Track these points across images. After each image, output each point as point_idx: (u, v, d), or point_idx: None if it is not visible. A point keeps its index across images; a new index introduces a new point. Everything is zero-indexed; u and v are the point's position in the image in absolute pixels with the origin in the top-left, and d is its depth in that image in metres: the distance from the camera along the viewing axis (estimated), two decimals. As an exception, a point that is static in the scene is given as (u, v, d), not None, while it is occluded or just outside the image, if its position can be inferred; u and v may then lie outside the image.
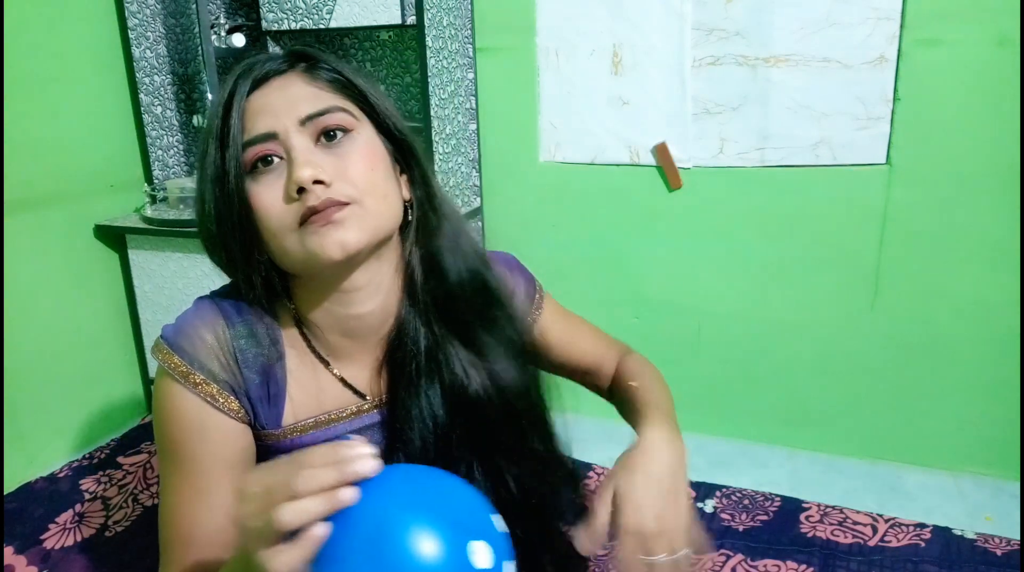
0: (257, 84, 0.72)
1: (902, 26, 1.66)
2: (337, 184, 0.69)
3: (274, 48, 1.97)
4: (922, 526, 1.42)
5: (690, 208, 1.92)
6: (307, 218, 0.68)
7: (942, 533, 1.40)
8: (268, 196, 0.69)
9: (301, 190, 0.68)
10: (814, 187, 1.81)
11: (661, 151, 1.90)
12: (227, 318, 0.76)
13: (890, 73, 1.70)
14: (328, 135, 0.71)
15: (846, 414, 1.92)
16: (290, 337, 0.79)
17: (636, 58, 1.88)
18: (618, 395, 0.96)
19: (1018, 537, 1.39)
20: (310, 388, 0.79)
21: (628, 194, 1.97)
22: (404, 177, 0.78)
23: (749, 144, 1.84)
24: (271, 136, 0.69)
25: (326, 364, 0.80)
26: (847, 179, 1.78)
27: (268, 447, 0.79)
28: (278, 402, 0.77)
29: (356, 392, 0.80)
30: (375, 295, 0.77)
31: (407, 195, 0.77)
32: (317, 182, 0.67)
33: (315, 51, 0.75)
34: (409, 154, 0.77)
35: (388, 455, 0.82)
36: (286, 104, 0.70)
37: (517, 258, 0.96)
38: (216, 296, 0.79)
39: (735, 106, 1.83)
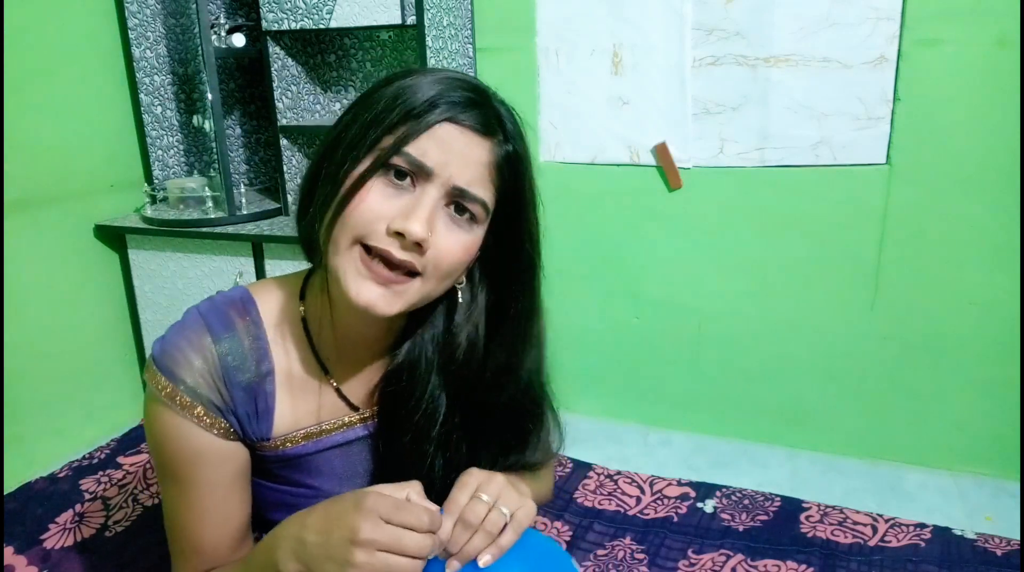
0: (456, 120, 0.69)
1: (902, 26, 1.66)
2: (429, 253, 0.68)
3: (274, 48, 1.97)
4: (922, 526, 1.42)
5: (690, 208, 1.92)
6: (376, 255, 0.68)
7: (942, 533, 1.40)
8: (378, 203, 0.68)
9: (400, 233, 0.67)
10: (814, 187, 1.81)
11: (661, 151, 1.90)
12: (214, 334, 0.74)
13: (890, 73, 1.70)
14: (458, 207, 0.70)
15: (846, 414, 1.92)
16: (292, 341, 0.78)
17: (636, 58, 1.88)
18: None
19: (1018, 537, 1.39)
20: (304, 398, 0.79)
21: (628, 194, 1.97)
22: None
23: (749, 144, 1.84)
24: (427, 171, 0.68)
25: (325, 371, 0.80)
26: (847, 179, 1.78)
27: (260, 456, 0.79)
28: (267, 417, 0.77)
29: (350, 404, 0.81)
30: (380, 321, 0.77)
31: (461, 281, 0.77)
32: (418, 243, 0.67)
33: (516, 126, 0.74)
34: (528, 269, 0.76)
35: (374, 470, 0.83)
36: (459, 161, 0.69)
37: None
38: (206, 307, 0.77)
39: (735, 106, 1.83)
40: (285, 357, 0.78)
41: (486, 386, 0.79)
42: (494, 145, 0.71)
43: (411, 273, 0.69)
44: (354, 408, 0.81)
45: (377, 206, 0.68)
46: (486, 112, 0.71)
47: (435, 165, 0.68)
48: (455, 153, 0.69)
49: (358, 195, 0.68)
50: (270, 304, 0.79)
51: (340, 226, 0.69)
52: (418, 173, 0.68)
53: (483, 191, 0.71)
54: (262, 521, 0.84)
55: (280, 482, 0.81)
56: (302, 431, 0.79)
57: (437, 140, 0.68)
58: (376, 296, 0.68)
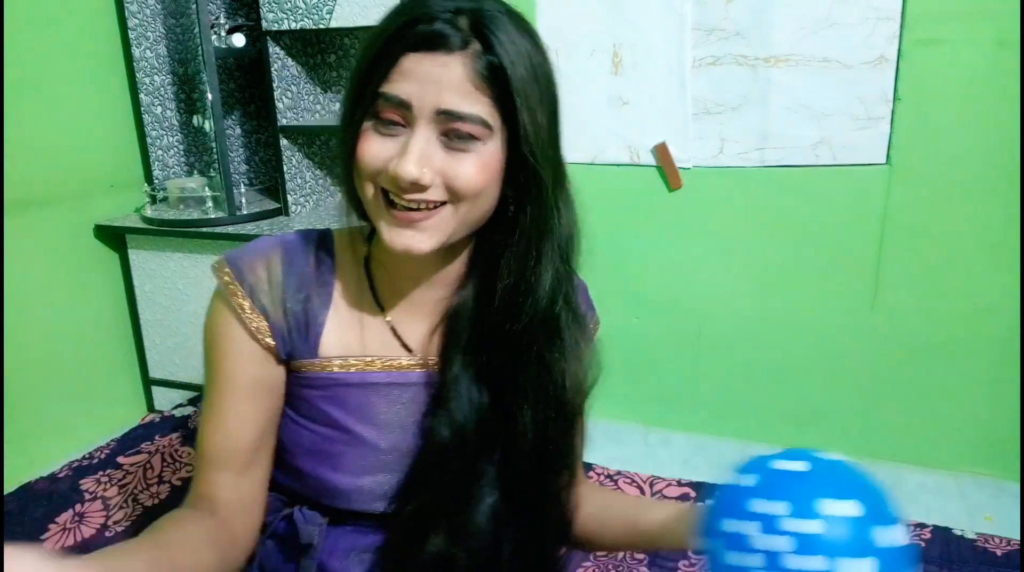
0: (417, 47, 0.67)
1: (902, 26, 1.66)
2: (435, 189, 0.68)
3: (274, 48, 1.97)
4: (922, 526, 1.42)
5: (690, 208, 1.92)
6: (391, 201, 0.70)
7: (942, 533, 1.40)
8: (373, 149, 0.69)
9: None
10: (814, 187, 1.81)
11: (661, 151, 1.90)
12: (285, 254, 0.80)
13: (890, 73, 1.70)
14: (454, 133, 0.68)
15: (846, 414, 1.92)
16: (354, 276, 0.82)
17: (636, 58, 1.88)
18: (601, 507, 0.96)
19: (1018, 537, 1.39)
20: (356, 329, 0.81)
21: (628, 194, 1.97)
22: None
23: (749, 144, 1.84)
24: (405, 105, 0.67)
25: (381, 309, 0.81)
26: (847, 179, 1.78)
27: (304, 378, 0.80)
28: (315, 337, 0.79)
29: (404, 345, 0.82)
30: (438, 264, 0.79)
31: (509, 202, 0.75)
32: (414, 183, 0.67)
33: (497, 28, 0.68)
34: (534, 180, 0.73)
35: (428, 420, 0.81)
36: (433, 87, 0.67)
37: (587, 288, 0.98)
38: (291, 234, 0.83)
39: (735, 106, 1.83)
40: (345, 290, 0.81)
41: (499, 309, 0.76)
42: (469, 58, 0.67)
43: (439, 204, 0.69)
44: (407, 349, 0.82)
45: (372, 152, 0.69)
46: (450, 27, 0.67)
47: (410, 97, 0.67)
48: (426, 80, 0.67)
49: (358, 147, 0.70)
50: (344, 241, 0.83)
51: (357, 177, 0.72)
52: (400, 112, 0.68)
53: (473, 106, 0.67)
54: (291, 470, 0.83)
55: (317, 420, 0.81)
56: (351, 358, 0.80)
57: (406, 73, 0.67)
58: (408, 238, 0.70)
